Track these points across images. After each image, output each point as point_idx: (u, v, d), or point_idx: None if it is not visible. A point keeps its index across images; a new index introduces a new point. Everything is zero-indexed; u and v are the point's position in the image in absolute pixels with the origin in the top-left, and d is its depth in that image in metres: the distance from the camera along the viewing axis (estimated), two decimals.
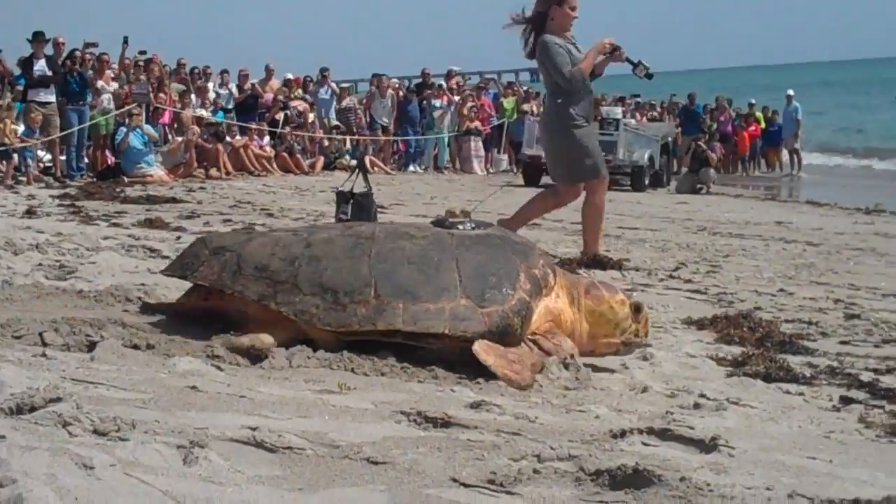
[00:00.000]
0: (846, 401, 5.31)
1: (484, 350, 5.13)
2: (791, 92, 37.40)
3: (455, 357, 5.21)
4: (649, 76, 10.57)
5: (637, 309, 5.78)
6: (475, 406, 4.52)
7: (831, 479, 3.85)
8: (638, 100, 36.52)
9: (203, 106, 25.15)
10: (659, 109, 36.62)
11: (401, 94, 30.24)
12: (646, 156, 26.61)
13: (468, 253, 5.39)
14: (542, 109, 10.57)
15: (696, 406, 4.90)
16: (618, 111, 28.41)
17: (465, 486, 3.54)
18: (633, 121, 30.50)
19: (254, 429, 3.85)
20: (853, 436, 4.65)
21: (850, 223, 17.95)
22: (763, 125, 36.31)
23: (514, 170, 29.40)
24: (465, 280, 5.27)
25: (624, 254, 11.39)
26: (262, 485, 3.41)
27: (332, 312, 5.17)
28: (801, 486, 3.73)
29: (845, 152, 40.73)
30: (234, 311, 5.42)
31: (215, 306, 5.51)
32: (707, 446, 4.15)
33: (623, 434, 4.23)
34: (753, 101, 38.42)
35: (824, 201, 23.27)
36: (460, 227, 5.66)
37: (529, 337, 5.41)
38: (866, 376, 5.83)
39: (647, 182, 26.41)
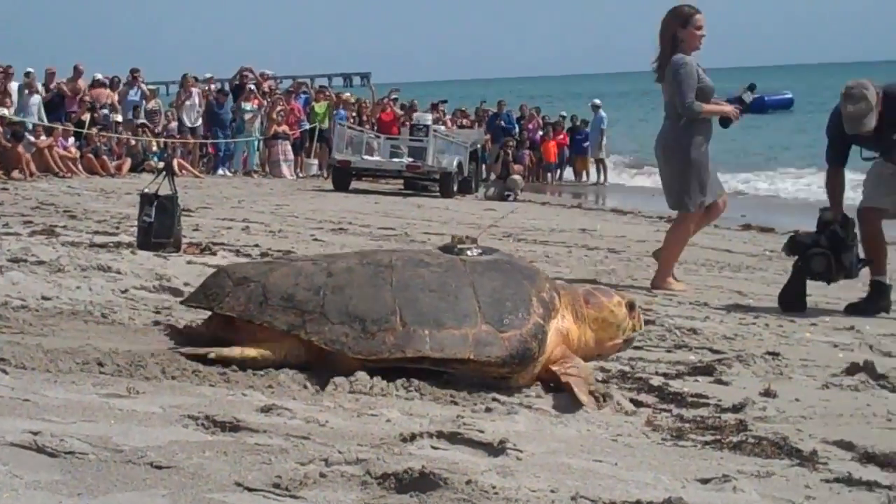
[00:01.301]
0: (636, 404, 5.40)
1: (577, 387, 5.27)
2: (598, 101, 38.00)
3: (476, 379, 5.36)
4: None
5: (631, 306, 6.00)
6: (265, 410, 4.49)
7: (615, 482, 3.91)
8: (445, 106, 36.79)
9: (3, 105, 24.59)
10: (472, 118, 36.84)
11: (210, 96, 29.94)
12: (455, 162, 26.77)
13: (483, 279, 5.54)
14: (662, 133, 10.54)
15: (488, 410, 4.92)
16: (428, 117, 28.64)
17: (250, 490, 3.51)
18: (442, 127, 30.68)
19: (35, 433, 3.78)
20: (640, 439, 4.73)
21: (652, 231, 18.28)
22: (570, 134, 36.83)
23: (324, 174, 29.36)
24: (483, 306, 5.42)
25: None
26: (40, 490, 3.35)
27: (362, 341, 5.26)
28: (585, 488, 3.79)
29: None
30: (252, 341, 5.39)
31: (236, 337, 5.48)
32: (495, 450, 4.18)
33: (413, 438, 4.23)
34: (564, 114, 38.93)
35: (628, 209, 23.67)
36: (469, 252, 5.78)
37: (552, 367, 5.51)
38: (656, 381, 5.93)
39: (455, 188, 26.55)
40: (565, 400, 5.22)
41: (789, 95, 75.35)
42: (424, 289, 5.42)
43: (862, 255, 9.59)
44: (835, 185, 9.77)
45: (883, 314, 9.41)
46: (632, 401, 5.43)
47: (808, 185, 29.82)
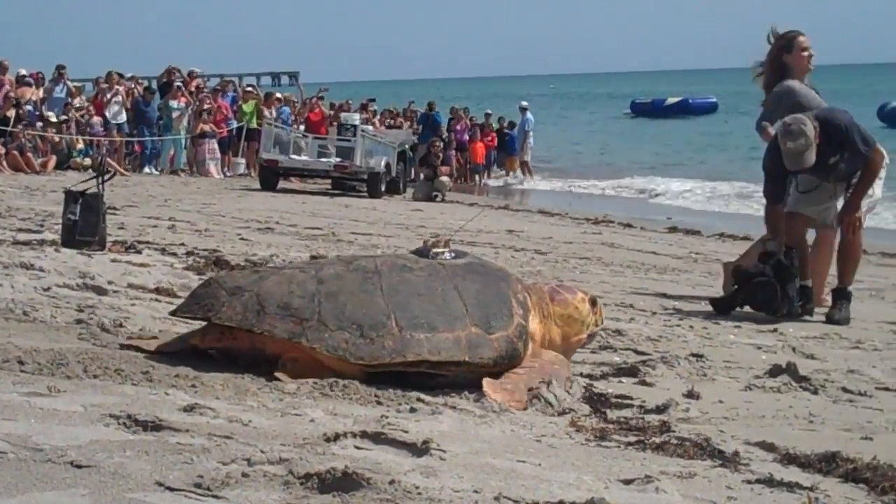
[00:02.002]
0: (556, 409, 5.41)
1: (491, 388, 5.35)
2: (525, 104, 38.13)
3: (466, 381, 5.44)
4: None
5: (594, 302, 6.18)
6: (188, 409, 4.46)
7: (539, 482, 3.91)
8: (374, 106, 36.76)
9: None
10: (401, 119, 36.79)
11: (136, 94, 29.71)
12: (382, 162, 26.73)
13: (465, 282, 5.64)
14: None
15: (413, 410, 4.91)
16: (356, 117, 28.60)
17: (171, 489, 3.48)
18: (370, 127, 30.62)
19: None
20: (563, 440, 4.74)
21: (579, 232, 18.38)
22: (498, 135, 36.91)
23: (252, 173, 29.24)
24: (470, 309, 5.52)
25: None
26: None
27: (363, 347, 5.29)
28: (508, 488, 3.78)
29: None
30: (252, 350, 5.42)
31: (232, 346, 5.50)
32: (419, 450, 4.16)
33: (336, 438, 4.21)
34: (490, 111, 38.99)
35: (556, 211, 23.76)
36: (444, 255, 5.87)
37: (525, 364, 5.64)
38: (581, 381, 5.95)
39: (383, 188, 26.52)
40: (489, 402, 5.22)
41: (713, 99, 76.76)
42: (413, 293, 5.49)
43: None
44: (776, 219, 9.75)
45: (807, 317, 9.50)
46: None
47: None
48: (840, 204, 9.85)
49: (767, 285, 9.36)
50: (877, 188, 9.83)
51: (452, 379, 5.44)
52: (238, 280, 5.60)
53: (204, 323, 5.65)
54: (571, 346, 6.13)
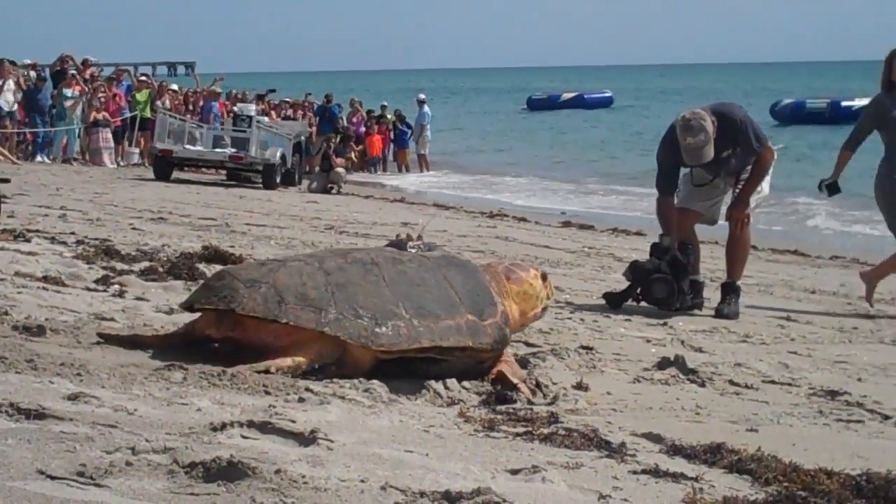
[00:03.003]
0: (452, 401, 5.42)
1: (511, 373, 5.80)
2: (422, 97, 38.14)
3: (463, 366, 5.76)
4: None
5: (544, 277, 6.47)
6: (72, 398, 4.40)
7: (426, 472, 3.91)
8: (272, 97, 36.58)
9: None
10: (294, 108, 36.60)
11: (29, 82, 29.29)
12: (278, 154, 26.59)
13: (450, 273, 5.91)
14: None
15: (301, 400, 4.88)
16: (251, 108, 28.38)
17: (52, 478, 3.44)
18: (266, 118, 30.44)
19: None
20: (452, 430, 4.75)
21: (473, 226, 18.41)
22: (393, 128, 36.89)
23: (146, 163, 28.97)
24: (462, 298, 5.79)
25: (249, 249, 11.36)
26: None
27: (381, 334, 5.48)
28: (395, 478, 3.78)
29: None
30: (261, 341, 5.52)
31: (243, 336, 5.59)
32: (306, 439, 4.15)
33: (223, 427, 4.17)
34: (385, 104, 38.95)
35: (451, 204, 23.79)
36: (420, 248, 6.25)
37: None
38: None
39: (278, 180, 26.39)
40: (380, 390, 5.22)
41: (608, 94, 77.84)
42: (412, 284, 5.72)
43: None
44: (668, 213, 9.85)
45: (696, 311, 9.61)
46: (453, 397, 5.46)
47: None
48: (728, 199, 9.99)
49: (664, 281, 9.46)
50: (765, 185, 9.95)
51: (451, 365, 5.69)
52: (251, 272, 5.70)
53: (195, 315, 5.77)
54: (527, 321, 6.45)
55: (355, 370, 5.46)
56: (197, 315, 5.78)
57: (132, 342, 5.77)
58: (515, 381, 5.65)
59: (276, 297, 5.46)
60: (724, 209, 10.01)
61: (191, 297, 5.83)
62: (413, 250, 6.14)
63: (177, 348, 5.68)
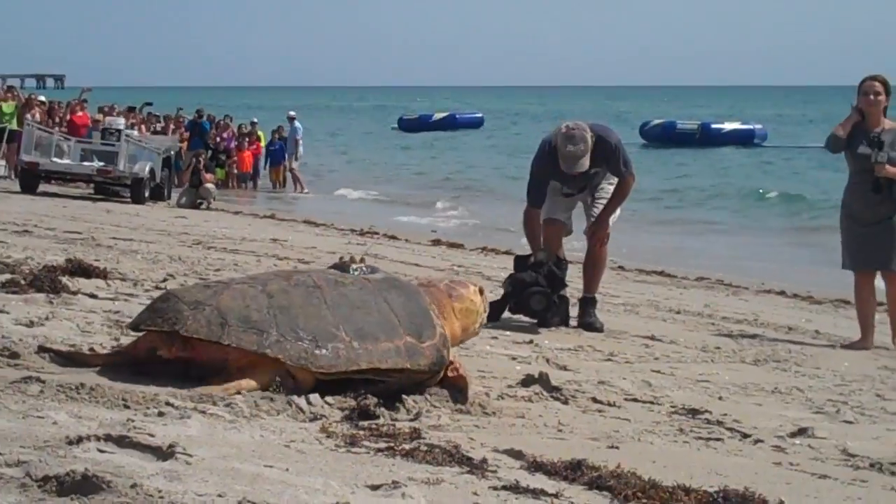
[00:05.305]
0: (315, 416, 5.39)
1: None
2: (293, 113, 38.04)
3: (398, 387, 5.82)
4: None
5: (482, 291, 6.59)
6: None
7: (285, 487, 3.89)
8: (150, 109, 36.19)
9: None
10: (163, 123, 36.21)
11: None
12: (147, 168, 26.34)
13: (391, 296, 6.01)
14: None
15: (161, 414, 4.82)
16: (120, 122, 28.06)
17: None
18: (135, 132, 30.10)
19: None
20: (313, 445, 4.72)
21: (343, 243, 18.38)
22: (264, 143, 36.70)
23: (11, 175, 28.51)
24: (401, 320, 5.89)
25: (114, 263, 11.20)
26: None
27: (321, 356, 5.58)
28: (253, 493, 3.76)
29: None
30: (211, 361, 5.57)
31: (192, 356, 5.61)
32: (164, 453, 4.10)
33: (79, 440, 4.11)
34: (255, 120, 38.76)
35: (321, 221, 23.72)
36: (363, 271, 6.28)
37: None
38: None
39: (147, 194, 26.14)
40: (242, 405, 5.17)
41: (479, 115, 78.85)
42: (353, 306, 5.82)
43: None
44: (534, 225, 10.13)
45: (563, 329, 9.70)
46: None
47: None
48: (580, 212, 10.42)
49: (542, 294, 9.62)
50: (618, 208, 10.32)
51: (388, 385, 5.77)
52: (195, 294, 5.75)
53: (139, 335, 5.82)
54: (468, 336, 6.60)
55: (298, 389, 5.53)
56: (138, 335, 5.84)
57: (73, 360, 5.79)
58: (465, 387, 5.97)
59: (219, 319, 5.53)
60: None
61: (136, 319, 5.86)
62: (356, 273, 6.22)
63: (124, 368, 5.65)
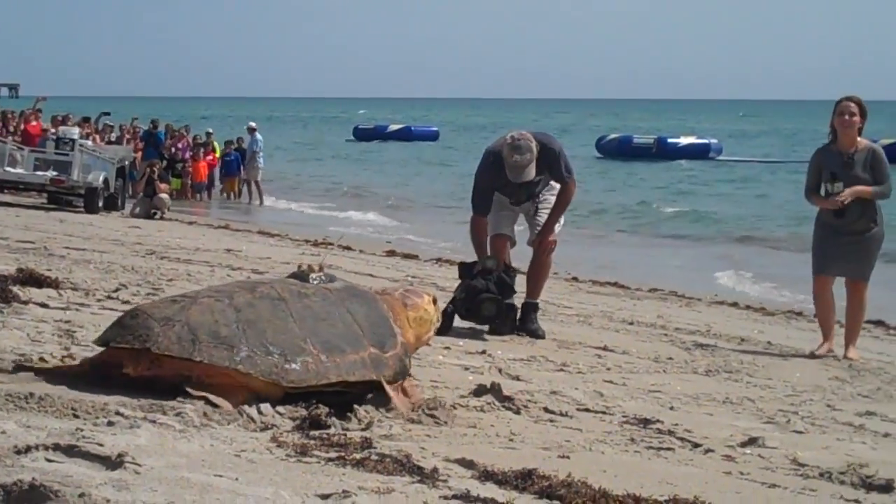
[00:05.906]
0: (266, 426, 5.38)
1: (398, 400, 5.91)
2: (253, 124, 37.94)
3: (361, 396, 5.86)
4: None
5: (434, 301, 6.66)
6: None
7: (234, 496, 3.89)
8: (109, 119, 36.00)
9: None
10: (118, 133, 36.03)
11: None
12: (101, 178, 26.22)
13: (353, 306, 6.05)
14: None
15: (110, 423, 4.80)
16: (74, 131, 27.90)
17: None
18: (89, 142, 29.94)
19: None
20: (264, 455, 4.71)
21: (297, 254, 18.33)
22: (219, 154, 36.58)
23: None
24: (364, 331, 5.95)
25: (66, 273, 11.14)
26: None
27: (291, 371, 5.59)
28: (203, 502, 3.75)
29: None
30: (178, 377, 5.51)
31: (160, 374, 5.55)
32: (113, 463, 4.09)
33: (27, 450, 4.10)
34: (211, 131, 38.66)
35: (276, 231, 23.67)
36: (322, 280, 6.21)
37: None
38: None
39: (100, 204, 26.02)
40: (192, 415, 5.15)
41: (435, 129, 79.43)
42: (317, 318, 5.85)
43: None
44: (481, 233, 10.26)
45: (515, 339, 9.73)
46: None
47: None
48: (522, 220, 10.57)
49: (493, 301, 9.72)
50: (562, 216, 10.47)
51: (354, 395, 5.81)
52: (164, 310, 5.70)
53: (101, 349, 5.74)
54: (421, 344, 6.66)
55: (267, 400, 5.54)
56: (100, 349, 5.77)
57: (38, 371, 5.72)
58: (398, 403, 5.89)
59: (189, 336, 5.52)
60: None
61: (105, 335, 5.79)
62: (315, 281, 6.18)
63: (76, 378, 5.59)
